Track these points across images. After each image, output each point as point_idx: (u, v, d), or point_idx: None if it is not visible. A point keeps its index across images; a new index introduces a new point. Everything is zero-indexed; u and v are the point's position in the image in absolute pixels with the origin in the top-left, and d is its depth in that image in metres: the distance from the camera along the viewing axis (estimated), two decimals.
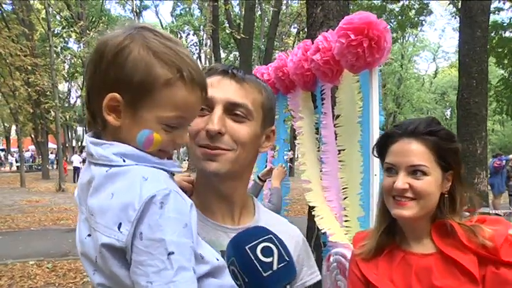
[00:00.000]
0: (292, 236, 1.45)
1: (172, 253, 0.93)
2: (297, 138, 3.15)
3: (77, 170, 27.02)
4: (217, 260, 1.10)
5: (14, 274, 7.64)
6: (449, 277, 1.39)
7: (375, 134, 2.38)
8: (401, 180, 1.44)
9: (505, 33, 13.35)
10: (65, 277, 7.49)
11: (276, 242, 1.14)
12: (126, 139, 1.05)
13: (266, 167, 4.52)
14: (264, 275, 1.08)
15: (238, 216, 1.40)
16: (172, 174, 1.13)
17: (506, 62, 13.82)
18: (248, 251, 1.09)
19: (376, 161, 2.31)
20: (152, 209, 0.94)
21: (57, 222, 12.85)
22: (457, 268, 1.39)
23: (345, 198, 2.70)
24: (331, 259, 2.56)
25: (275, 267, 1.10)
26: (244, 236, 1.16)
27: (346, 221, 2.67)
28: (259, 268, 1.08)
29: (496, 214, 12.21)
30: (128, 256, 0.96)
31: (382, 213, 1.58)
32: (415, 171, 1.44)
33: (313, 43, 2.89)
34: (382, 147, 1.56)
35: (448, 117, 49.81)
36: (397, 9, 17.44)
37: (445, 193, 1.49)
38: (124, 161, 1.03)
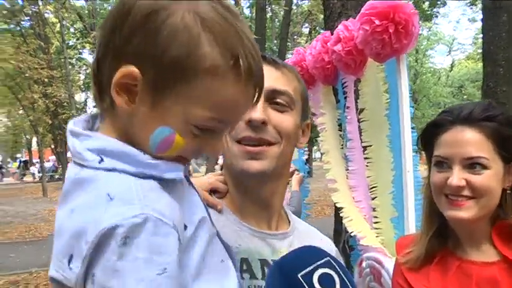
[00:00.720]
0: (327, 248, 1.29)
1: None
2: (320, 135, 2.97)
3: None
4: None
5: (38, 282, 7.74)
6: None
7: (406, 127, 2.19)
8: (457, 176, 1.22)
9: None
10: None
11: (336, 266, 0.89)
12: (136, 134, 0.79)
13: None
14: None
15: (275, 223, 1.24)
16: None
17: None
18: (302, 280, 0.84)
19: (408, 157, 2.13)
20: (110, 246, 0.68)
21: None
22: None
23: (374, 198, 2.51)
24: (364, 264, 2.38)
25: None
26: (294, 259, 0.91)
27: (376, 222, 2.48)
28: None
29: None
30: None
31: (431, 214, 1.36)
32: (472, 164, 1.23)
33: (332, 34, 2.73)
34: (429, 138, 1.34)
35: None
36: (409, 2, 17.18)
37: (507, 188, 1.27)
38: (101, 160, 0.76)
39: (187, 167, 0.87)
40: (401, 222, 2.16)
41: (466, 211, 1.23)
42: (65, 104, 24.60)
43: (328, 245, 1.32)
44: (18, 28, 24.18)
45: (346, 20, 2.66)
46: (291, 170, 4.12)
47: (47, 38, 25.18)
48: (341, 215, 2.56)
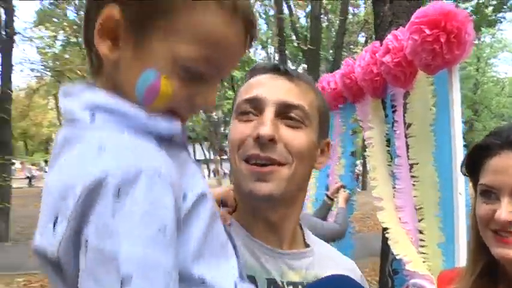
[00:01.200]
0: (351, 273, 1.17)
1: (130, 278, 0.57)
2: (367, 150, 2.84)
3: None
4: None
5: None
6: None
7: (458, 145, 2.03)
8: (506, 210, 1.05)
9: None
10: None
11: None
12: (124, 86, 0.71)
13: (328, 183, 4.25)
14: None
15: (287, 246, 1.12)
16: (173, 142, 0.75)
17: None
18: None
19: (460, 178, 1.96)
20: (102, 199, 0.58)
21: None
22: None
23: (421, 220, 2.36)
24: None
25: None
26: None
27: (422, 246, 2.31)
28: None
29: None
30: (65, 265, 0.62)
31: (477, 249, 1.18)
32: None
33: (382, 45, 2.60)
34: (475, 163, 1.17)
35: None
36: (470, 8, 16.45)
37: None
38: (93, 116, 0.68)
39: (185, 135, 0.79)
40: (451, 249, 1.98)
41: None
42: None
43: (352, 269, 1.21)
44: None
45: (397, 29, 2.53)
46: (337, 185, 4.01)
47: None
48: (387, 235, 2.42)
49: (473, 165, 1.18)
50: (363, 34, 25.33)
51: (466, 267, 1.22)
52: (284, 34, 19.86)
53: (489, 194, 1.11)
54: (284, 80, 1.07)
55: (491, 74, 47.91)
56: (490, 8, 15.92)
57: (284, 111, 1.04)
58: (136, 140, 0.66)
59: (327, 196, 4.04)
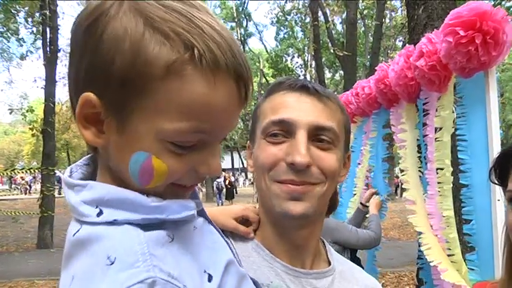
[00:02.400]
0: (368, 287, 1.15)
1: None
2: (399, 151, 2.78)
3: None
4: None
5: None
6: None
7: (495, 149, 1.94)
8: None
9: None
10: None
11: None
12: (118, 168, 0.68)
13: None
14: None
15: (310, 263, 1.12)
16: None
17: None
18: None
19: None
20: None
21: None
22: None
23: (447, 226, 2.28)
24: None
25: None
26: None
27: (450, 255, 2.23)
28: None
29: None
30: None
31: (511, 260, 1.15)
32: None
33: (416, 48, 2.54)
34: (504, 170, 1.14)
35: None
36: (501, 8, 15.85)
37: None
38: (100, 212, 0.65)
39: (200, 203, 0.76)
40: (486, 259, 1.90)
41: None
42: None
43: (372, 287, 1.18)
44: None
45: (432, 32, 2.46)
46: (370, 191, 3.94)
47: None
48: (419, 240, 2.34)
49: (502, 171, 1.14)
50: (400, 38, 24.95)
51: (501, 279, 1.17)
52: (320, 41, 19.82)
53: None
54: (313, 101, 1.06)
55: None
56: None
57: (315, 134, 1.03)
58: (147, 239, 0.63)
59: (361, 204, 3.98)
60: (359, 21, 20.22)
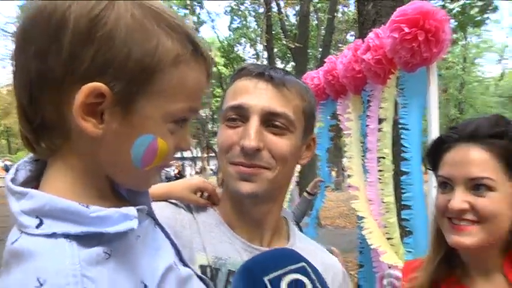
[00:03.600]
0: (329, 268, 1.21)
1: None
2: (346, 140, 2.91)
3: None
4: None
5: None
6: None
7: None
8: (459, 198, 1.12)
9: None
10: None
11: (312, 275, 0.77)
12: (111, 156, 0.70)
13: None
14: None
15: (268, 240, 1.19)
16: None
17: None
18: (268, 285, 0.73)
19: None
20: None
21: None
22: None
23: (386, 212, 2.42)
24: (385, 281, 2.27)
25: None
26: (264, 261, 0.80)
27: (389, 238, 2.38)
28: None
29: None
30: None
31: (437, 239, 1.25)
32: (476, 185, 1.12)
33: (364, 42, 2.64)
34: (435, 156, 1.24)
35: None
36: (457, 9, 16.60)
37: None
38: (40, 223, 0.64)
39: (145, 208, 0.77)
40: (419, 244, 2.04)
41: (469, 237, 1.11)
42: None
43: (332, 264, 1.25)
44: None
45: (379, 28, 2.57)
46: (315, 180, 4.08)
47: None
48: (361, 225, 2.47)
49: (435, 158, 1.24)
50: (352, 33, 25.43)
51: (428, 256, 1.29)
52: (273, 32, 19.88)
53: (445, 184, 1.18)
54: (269, 87, 1.10)
55: (476, 73, 48.39)
56: (476, 9, 16.08)
57: (269, 119, 1.08)
58: (78, 262, 0.62)
59: (307, 192, 4.10)
60: (312, 14, 20.44)
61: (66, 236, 0.64)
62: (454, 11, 16.26)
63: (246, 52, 39.33)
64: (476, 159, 1.13)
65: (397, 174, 2.37)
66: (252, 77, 1.12)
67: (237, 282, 0.79)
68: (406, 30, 2.05)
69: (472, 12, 15.96)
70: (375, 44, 2.44)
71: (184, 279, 0.81)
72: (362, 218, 2.49)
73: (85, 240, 0.65)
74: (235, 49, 35.27)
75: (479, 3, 15.20)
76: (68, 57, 0.63)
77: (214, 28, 49.58)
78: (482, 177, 1.11)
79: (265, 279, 0.74)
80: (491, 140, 1.13)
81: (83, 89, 0.63)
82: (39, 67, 0.65)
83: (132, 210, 0.70)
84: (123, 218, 0.68)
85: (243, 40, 36.21)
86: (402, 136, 2.25)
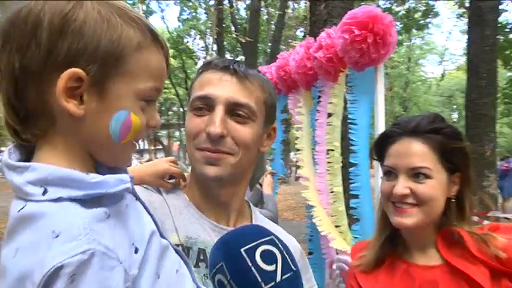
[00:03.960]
0: (289, 246, 1.34)
1: None
2: (297, 133, 3.05)
3: None
4: None
5: None
6: None
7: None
8: (401, 185, 1.30)
9: (509, 35, 13.10)
10: None
11: (280, 245, 0.90)
12: (92, 132, 0.79)
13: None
14: (264, 287, 0.83)
15: (233, 221, 1.31)
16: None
17: None
18: (244, 254, 0.84)
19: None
20: (57, 286, 0.66)
21: None
22: (465, 281, 1.24)
23: (334, 202, 2.59)
24: (334, 266, 2.43)
25: (278, 278, 0.84)
26: (238, 235, 0.92)
27: (337, 226, 2.54)
28: (259, 278, 0.83)
29: (506, 218, 12.03)
30: None
31: (383, 221, 1.43)
32: (416, 174, 1.30)
33: (316, 41, 2.78)
34: (381, 149, 1.41)
35: (455, 120, 49.46)
36: (402, 12, 17.30)
37: (451, 198, 1.34)
38: (45, 191, 0.73)
39: (133, 178, 0.86)
40: (369, 229, 2.21)
41: (410, 218, 1.29)
42: None
43: (293, 246, 1.36)
44: None
45: (330, 28, 2.71)
46: (268, 172, 4.19)
47: None
48: (312, 213, 2.61)
49: (380, 150, 1.41)
50: (301, 29, 25.82)
51: (374, 237, 1.46)
52: (223, 25, 19.88)
53: (390, 173, 1.36)
54: (233, 80, 1.22)
55: (419, 73, 50.37)
56: (419, 14, 16.86)
57: (232, 109, 1.20)
58: (87, 216, 0.72)
59: (259, 183, 4.21)
60: (262, 9, 20.59)
61: (70, 199, 0.73)
62: (400, 14, 16.98)
63: (196, 44, 39.08)
64: (416, 151, 1.30)
65: (346, 166, 2.53)
66: (218, 70, 1.23)
67: (215, 254, 0.90)
68: (357, 32, 2.19)
69: (415, 16, 16.76)
70: (326, 43, 2.58)
71: (164, 247, 0.91)
72: (312, 207, 2.63)
73: (86, 203, 0.75)
74: (185, 41, 34.92)
75: (422, 8, 15.95)
76: (46, 51, 0.74)
77: (163, 18, 48.76)
78: (421, 167, 1.29)
79: (242, 250, 0.85)
80: (429, 135, 1.31)
81: (63, 74, 0.73)
82: (21, 62, 0.75)
83: (125, 176, 0.82)
84: (118, 182, 0.79)
85: (192, 32, 35.92)
86: (350, 130, 2.41)
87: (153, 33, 0.84)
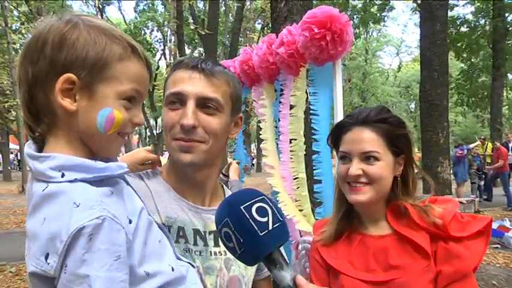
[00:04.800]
0: None
1: None
2: (260, 125, 3.21)
3: None
4: (173, 270, 1.10)
5: None
6: (404, 255, 1.45)
7: None
8: (355, 167, 1.49)
9: (460, 28, 13.70)
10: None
11: (270, 203, 1.13)
12: (84, 125, 1.00)
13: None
14: (260, 234, 1.06)
15: (208, 201, 1.50)
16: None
17: (465, 55, 14.24)
18: (244, 210, 1.07)
19: None
20: (79, 243, 0.88)
21: (21, 224, 12.42)
22: (411, 246, 1.45)
23: (298, 188, 2.78)
24: (300, 247, 2.62)
25: (270, 226, 1.07)
26: (238, 196, 1.15)
27: (300, 209, 2.74)
28: (255, 228, 1.06)
29: (460, 202, 12.63)
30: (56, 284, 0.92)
31: (339, 200, 1.63)
32: (368, 157, 1.49)
33: (277, 37, 2.93)
34: (336, 137, 1.61)
35: (412, 110, 50.88)
36: (359, 5, 17.71)
37: (397, 176, 1.55)
38: (63, 175, 0.96)
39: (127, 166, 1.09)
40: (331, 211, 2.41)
41: (363, 195, 1.49)
42: (8, 92, 23.63)
43: None
44: None
45: (291, 24, 2.86)
46: (230, 161, 4.33)
47: None
48: (277, 198, 2.77)
49: (335, 139, 1.61)
50: (260, 21, 25.95)
51: (332, 214, 1.67)
52: (182, 17, 19.79)
53: (345, 157, 1.55)
54: (202, 77, 1.39)
55: (377, 65, 51.45)
56: (376, 7, 17.33)
57: (202, 103, 1.38)
58: (98, 192, 0.95)
59: (222, 173, 4.34)
60: (220, 1, 20.60)
61: (83, 180, 0.96)
62: (357, 7, 17.39)
63: (153, 36, 38.57)
64: (367, 138, 1.50)
65: (308, 154, 2.72)
66: (188, 69, 1.41)
67: (221, 213, 1.13)
68: (316, 30, 2.37)
69: (372, 9, 17.20)
70: (288, 40, 2.73)
71: (151, 221, 1.12)
72: (277, 192, 2.80)
73: (94, 183, 0.98)
74: (142, 32, 34.37)
75: (378, 2, 16.37)
76: (49, 61, 0.97)
77: (120, 9, 47.70)
78: (371, 151, 1.49)
79: (241, 207, 1.08)
80: (377, 124, 1.51)
81: (60, 78, 0.96)
82: (33, 72, 0.99)
83: (123, 163, 1.06)
84: (119, 168, 1.03)
85: (150, 23, 35.42)
86: (312, 121, 2.60)
87: (133, 47, 1.05)
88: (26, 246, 0.99)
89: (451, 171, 10.85)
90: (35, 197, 0.96)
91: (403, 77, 52.62)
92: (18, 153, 29.32)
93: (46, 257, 0.90)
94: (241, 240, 1.07)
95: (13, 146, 36.06)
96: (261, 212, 1.09)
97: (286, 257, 1.11)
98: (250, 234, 1.06)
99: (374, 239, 1.53)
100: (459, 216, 1.44)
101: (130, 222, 1.01)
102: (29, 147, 1.03)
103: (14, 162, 36.97)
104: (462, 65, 15.49)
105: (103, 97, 1.00)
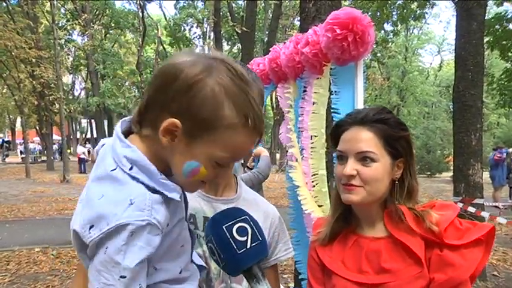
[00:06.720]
0: (269, 215, 1.64)
1: (124, 277, 1.00)
2: (288, 115, 3.27)
3: (82, 160, 27.36)
4: (180, 273, 1.21)
5: (20, 260, 7.87)
6: (397, 259, 1.42)
7: None
8: (350, 167, 1.46)
9: (508, 25, 13.09)
10: (69, 264, 7.70)
11: (251, 222, 1.23)
12: (172, 161, 1.08)
13: None
14: (238, 252, 1.16)
15: (221, 191, 1.60)
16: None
17: (510, 54, 13.67)
18: (225, 230, 1.18)
19: None
20: (121, 234, 0.98)
21: (62, 212, 13.08)
22: (404, 251, 1.42)
23: (317, 184, 2.83)
24: None
25: (248, 245, 1.18)
26: (222, 216, 1.25)
27: (320, 205, 2.79)
28: (234, 246, 1.17)
29: (495, 206, 12.31)
30: (88, 251, 1.04)
31: (336, 200, 1.61)
32: (364, 157, 1.45)
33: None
34: (335, 136, 1.58)
35: (452, 109, 49.17)
36: (399, 2, 17.40)
37: (395, 180, 1.51)
38: (131, 168, 1.05)
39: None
40: None
41: (356, 195, 1.47)
42: (52, 85, 24.48)
43: (272, 212, 1.67)
44: (5, 5, 23.97)
45: (320, 24, 2.93)
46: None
47: (35, 17, 24.96)
48: (297, 192, 2.83)
49: (334, 138, 1.60)
50: (298, 18, 25.82)
51: (329, 214, 1.68)
52: (220, 14, 19.97)
53: (342, 157, 1.54)
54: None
55: (417, 63, 50.20)
56: (416, 4, 16.95)
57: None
58: (152, 198, 1.03)
59: (247, 167, 4.43)
60: None
61: (143, 183, 1.05)
62: (397, 4, 17.09)
63: (192, 32, 39.02)
64: (363, 137, 1.47)
65: (330, 151, 2.78)
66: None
67: (207, 228, 1.26)
68: (338, 31, 2.43)
69: (412, 6, 16.83)
70: (313, 40, 2.79)
71: (182, 229, 1.24)
72: (297, 187, 2.85)
73: (151, 189, 1.05)
74: (182, 28, 34.83)
75: None
76: (169, 97, 1.02)
77: (161, 6, 48.52)
78: (367, 151, 1.46)
79: (224, 226, 1.19)
80: (376, 124, 1.48)
81: (168, 120, 1.01)
82: (154, 94, 1.05)
83: (178, 188, 1.11)
84: (173, 189, 1.09)
85: (189, 20, 35.88)
86: (334, 119, 2.66)
87: (248, 118, 1.03)
88: (78, 204, 1.09)
89: (482, 175, 10.58)
90: (104, 170, 1.06)
91: (444, 76, 51.07)
92: (60, 144, 30.26)
93: (90, 227, 1.00)
94: (222, 256, 1.19)
95: (56, 137, 37.43)
96: (241, 231, 1.19)
97: (263, 272, 1.21)
98: (229, 251, 1.17)
99: (368, 240, 1.52)
100: (458, 223, 1.42)
101: (168, 226, 1.12)
102: (121, 126, 1.14)
103: (56, 152, 38.21)
104: (507, 64, 14.80)
105: (198, 152, 1.04)
